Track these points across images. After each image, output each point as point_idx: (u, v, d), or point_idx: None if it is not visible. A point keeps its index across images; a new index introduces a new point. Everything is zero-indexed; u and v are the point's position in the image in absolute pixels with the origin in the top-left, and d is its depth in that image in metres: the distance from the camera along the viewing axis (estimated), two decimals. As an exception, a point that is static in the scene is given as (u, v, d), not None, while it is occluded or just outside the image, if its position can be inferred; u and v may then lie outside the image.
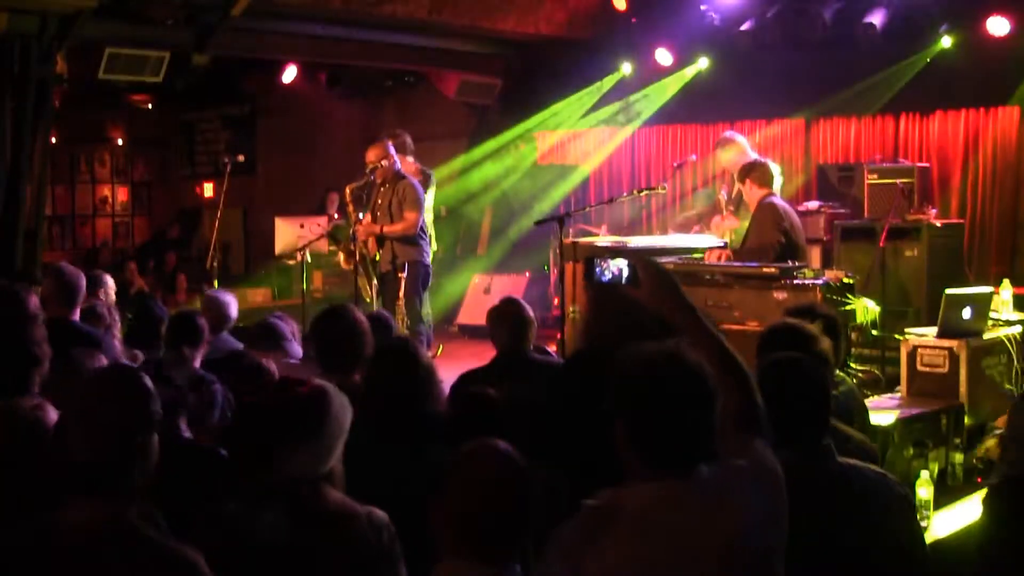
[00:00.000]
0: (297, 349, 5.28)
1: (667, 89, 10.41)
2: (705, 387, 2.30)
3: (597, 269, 2.71)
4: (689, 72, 10.20)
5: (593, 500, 2.30)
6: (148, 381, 2.41)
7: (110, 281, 6.29)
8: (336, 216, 10.80)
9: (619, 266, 2.67)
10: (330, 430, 2.57)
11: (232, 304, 5.77)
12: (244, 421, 2.68)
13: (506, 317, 4.64)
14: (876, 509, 2.88)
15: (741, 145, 7.83)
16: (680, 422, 2.28)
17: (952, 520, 4.51)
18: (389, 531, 2.59)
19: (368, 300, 7.72)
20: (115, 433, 2.31)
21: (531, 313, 4.69)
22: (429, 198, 8.45)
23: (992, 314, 6.59)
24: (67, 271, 5.33)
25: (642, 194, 8.69)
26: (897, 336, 6.72)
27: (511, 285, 10.63)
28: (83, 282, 5.33)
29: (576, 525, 2.29)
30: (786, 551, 2.38)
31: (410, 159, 8.51)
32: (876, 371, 6.84)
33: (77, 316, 5.28)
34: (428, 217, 8.28)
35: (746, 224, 7.16)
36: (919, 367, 6.30)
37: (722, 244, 7.35)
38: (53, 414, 3.03)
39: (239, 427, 2.72)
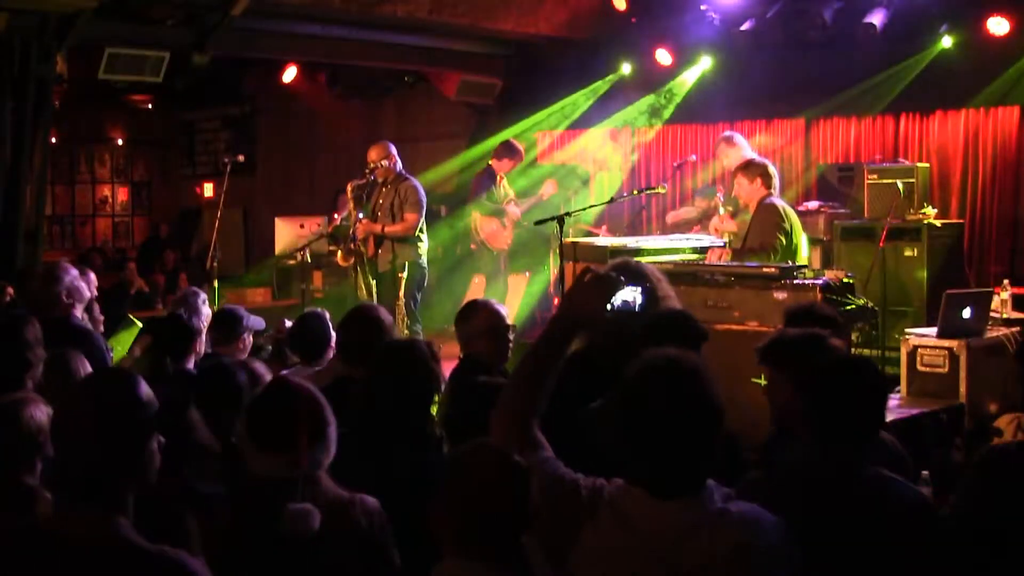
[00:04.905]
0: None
1: (683, 87, 10.37)
2: (701, 409, 2.21)
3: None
4: (697, 71, 10.14)
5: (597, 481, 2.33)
6: (145, 387, 2.31)
7: None
8: (336, 218, 10.80)
9: (631, 296, 2.46)
10: (333, 424, 2.71)
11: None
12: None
13: None
14: (910, 535, 2.67)
15: (742, 144, 7.88)
16: (669, 442, 2.19)
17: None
18: (380, 516, 2.68)
19: (364, 299, 7.72)
20: (107, 441, 2.21)
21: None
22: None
23: (992, 314, 6.59)
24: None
25: (642, 194, 8.69)
26: (897, 336, 6.72)
27: (511, 285, 10.60)
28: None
29: (580, 495, 2.32)
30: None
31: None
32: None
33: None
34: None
35: (745, 222, 7.16)
36: (919, 367, 6.30)
37: (721, 244, 7.35)
38: (38, 412, 3.03)
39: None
